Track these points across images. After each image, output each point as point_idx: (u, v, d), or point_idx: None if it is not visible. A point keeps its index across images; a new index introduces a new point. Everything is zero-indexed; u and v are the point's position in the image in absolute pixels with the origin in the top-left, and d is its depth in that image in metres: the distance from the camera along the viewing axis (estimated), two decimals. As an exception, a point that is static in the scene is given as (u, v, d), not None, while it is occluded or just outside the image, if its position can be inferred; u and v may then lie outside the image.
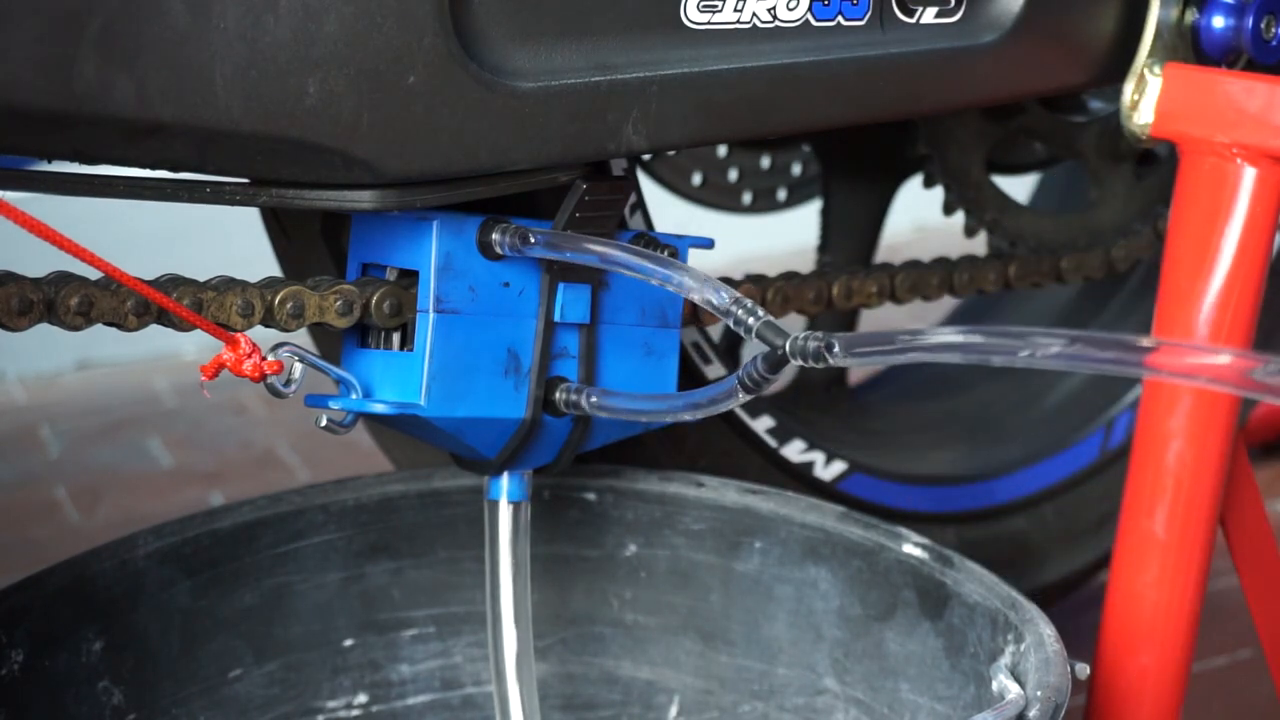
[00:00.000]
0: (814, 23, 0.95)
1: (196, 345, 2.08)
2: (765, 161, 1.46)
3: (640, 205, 1.08)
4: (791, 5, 0.94)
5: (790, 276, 1.10)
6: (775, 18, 0.94)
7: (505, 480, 1.00)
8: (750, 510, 1.05)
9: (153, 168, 0.84)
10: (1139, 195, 1.28)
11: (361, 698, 1.07)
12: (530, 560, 1.02)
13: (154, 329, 0.87)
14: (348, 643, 1.07)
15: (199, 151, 0.82)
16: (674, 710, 1.09)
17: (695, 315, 1.06)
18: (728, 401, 0.86)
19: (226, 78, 0.78)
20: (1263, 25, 1.07)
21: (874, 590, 1.00)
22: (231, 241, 1.60)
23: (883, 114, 1.02)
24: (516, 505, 1.00)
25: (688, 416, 0.91)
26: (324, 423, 0.91)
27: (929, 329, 0.77)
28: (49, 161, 0.86)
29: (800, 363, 0.80)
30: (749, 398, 0.85)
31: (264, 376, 0.86)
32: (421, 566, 1.08)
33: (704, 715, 1.08)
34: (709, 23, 0.92)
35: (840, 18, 0.97)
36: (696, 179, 1.43)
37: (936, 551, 0.98)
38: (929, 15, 1.00)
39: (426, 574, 1.08)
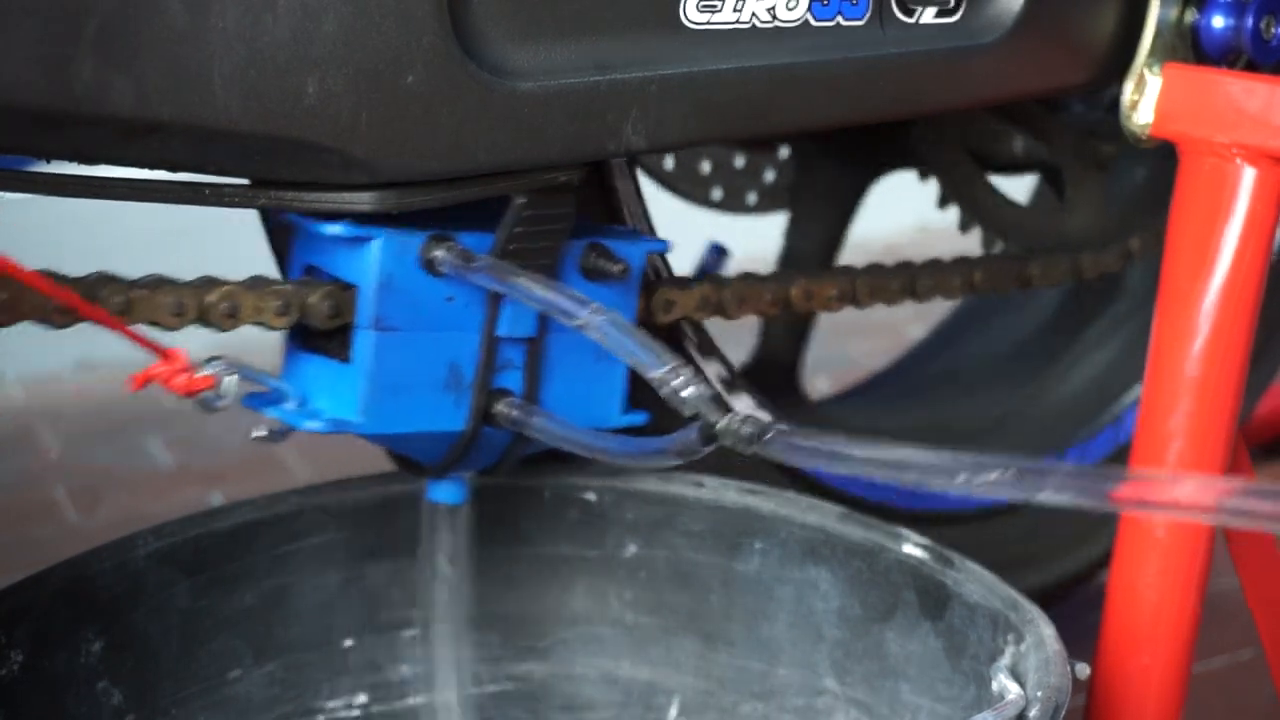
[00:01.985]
0: (813, 23, 0.95)
1: (196, 345, 2.08)
2: (740, 162, 1.43)
3: (619, 197, 1.07)
4: (791, 5, 0.94)
5: (747, 278, 1.07)
6: (775, 18, 0.94)
7: (444, 484, 0.98)
8: (750, 510, 1.05)
9: (152, 168, 0.84)
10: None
11: (361, 698, 1.07)
12: (530, 560, 1.02)
13: (154, 329, 0.87)
14: (348, 643, 1.07)
15: (198, 151, 0.82)
16: (674, 710, 1.09)
17: (649, 315, 1.03)
18: (660, 461, 0.83)
19: (225, 77, 0.78)
20: (1263, 25, 1.07)
21: (874, 590, 1.00)
22: (231, 241, 1.60)
23: (882, 114, 1.02)
24: (454, 508, 0.99)
25: (619, 463, 0.89)
26: (263, 433, 0.89)
27: (874, 442, 0.72)
28: (49, 161, 0.86)
29: (728, 444, 0.76)
30: (681, 462, 0.81)
31: (194, 393, 0.83)
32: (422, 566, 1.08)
33: (704, 715, 1.08)
34: (708, 23, 0.92)
35: (840, 18, 0.96)
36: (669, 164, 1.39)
37: (937, 552, 0.98)
38: (929, 15, 1.00)
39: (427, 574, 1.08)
